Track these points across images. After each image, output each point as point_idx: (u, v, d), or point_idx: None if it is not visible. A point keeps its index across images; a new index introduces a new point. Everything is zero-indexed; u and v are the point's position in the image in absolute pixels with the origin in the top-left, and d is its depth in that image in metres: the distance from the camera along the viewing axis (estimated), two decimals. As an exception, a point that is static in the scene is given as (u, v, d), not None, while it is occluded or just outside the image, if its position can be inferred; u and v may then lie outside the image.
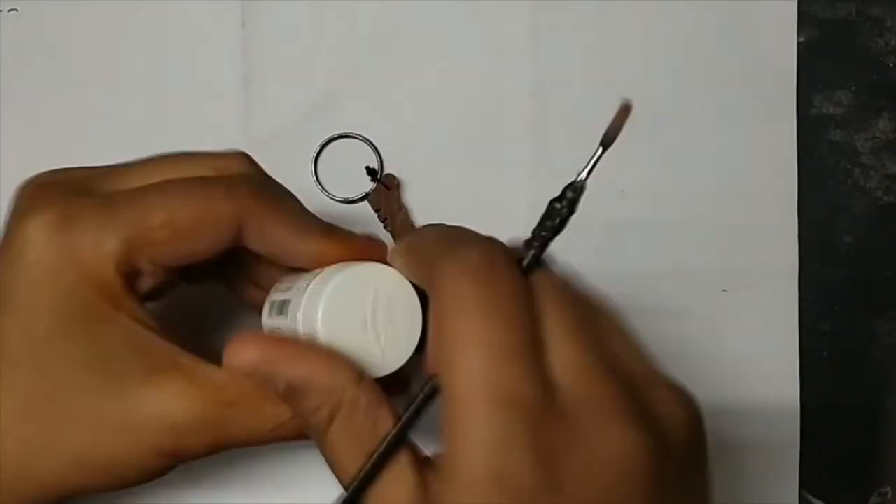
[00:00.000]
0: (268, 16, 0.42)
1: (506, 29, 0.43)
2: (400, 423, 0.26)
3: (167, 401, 0.29)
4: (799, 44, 0.43)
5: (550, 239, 0.27)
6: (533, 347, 0.24)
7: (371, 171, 0.42)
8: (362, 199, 0.42)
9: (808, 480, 0.43)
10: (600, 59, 0.43)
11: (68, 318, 0.29)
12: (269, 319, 0.31)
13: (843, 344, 0.43)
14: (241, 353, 0.28)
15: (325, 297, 0.28)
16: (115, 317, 0.30)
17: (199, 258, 0.31)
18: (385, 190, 0.42)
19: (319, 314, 0.28)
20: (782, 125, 0.43)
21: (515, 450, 0.23)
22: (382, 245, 0.33)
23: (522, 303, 0.25)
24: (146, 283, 0.31)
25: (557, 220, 0.27)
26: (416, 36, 0.42)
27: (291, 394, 0.27)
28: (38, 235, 0.29)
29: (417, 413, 0.26)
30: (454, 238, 0.27)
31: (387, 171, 0.42)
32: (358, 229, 0.42)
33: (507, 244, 0.27)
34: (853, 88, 0.44)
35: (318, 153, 0.42)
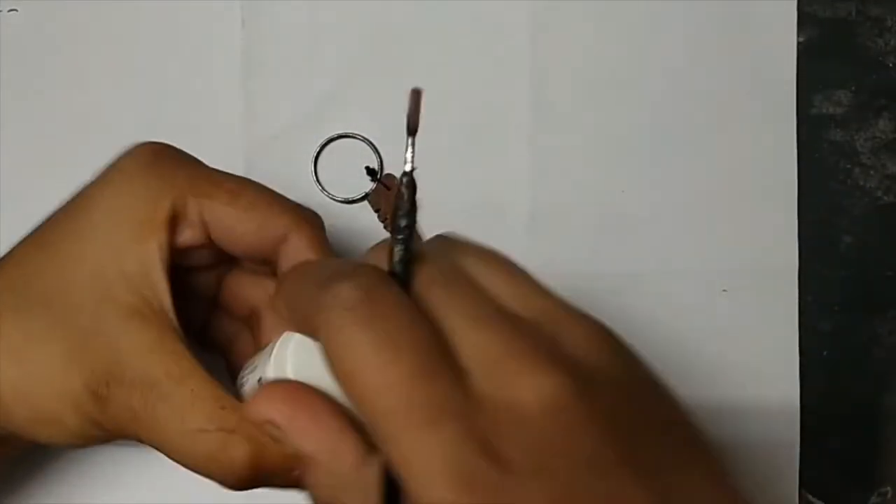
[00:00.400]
0: (268, 16, 0.42)
1: (505, 29, 0.43)
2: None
3: (128, 337, 0.30)
4: (799, 44, 0.43)
5: (407, 238, 0.27)
6: (439, 354, 0.24)
7: (371, 171, 0.42)
8: (362, 199, 0.42)
9: (808, 480, 0.43)
10: (600, 58, 0.43)
11: (114, 225, 0.31)
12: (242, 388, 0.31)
13: (843, 344, 0.43)
14: (262, 406, 0.28)
15: (292, 349, 0.28)
16: (146, 241, 0.31)
17: (237, 244, 0.32)
18: (385, 190, 0.42)
19: (288, 367, 0.28)
20: (782, 125, 0.43)
21: (464, 459, 0.23)
22: None
23: (411, 318, 0.24)
24: (184, 237, 0.32)
25: (404, 217, 0.27)
26: (416, 36, 0.42)
27: (299, 460, 0.27)
28: (140, 157, 0.32)
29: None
30: (322, 278, 0.26)
31: (387, 171, 0.42)
32: (358, 229, 0.42)
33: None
34: (853, 88, 0.44)
35: (318, 153, 0.42)
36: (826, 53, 0.44)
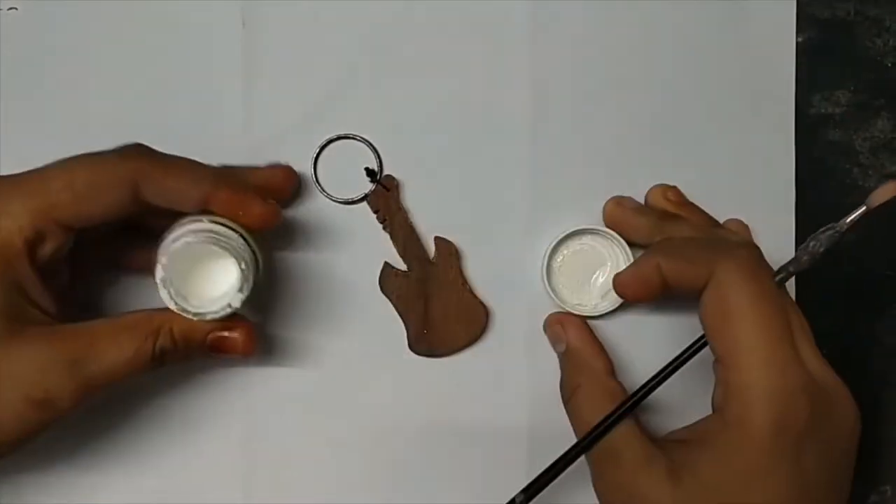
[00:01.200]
0: (268, 16, 0.42)
1: (505, 29, 0.43)
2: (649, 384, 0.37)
3: (34, 350, 0.34)
4: (798, 44, 0.43)
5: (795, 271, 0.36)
6: (791, 334, 0.34)
7: (370, 173, 0.42)
8: (361, 200, 0.42)
9: (808, 480, 0.43)
10: (599, 59, 0.43)
11: None
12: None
13: (843, 344, 0.43)
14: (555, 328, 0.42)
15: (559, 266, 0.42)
16: (2, 275, 0.34)
17: (101, 217, 0.35)
18: (384, 191, 0.42)
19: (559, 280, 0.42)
20: (782, 125, 0.43)
21: (793, 405, 0.33)
22: (283, 175, 0.40)
23: (782, 300, 0.35)
24: (49, 247, 0.35)
25: (807, 257, 0.36)
26: (416, 36, 0.42)
27: (566, 354, 0.41)
28: None
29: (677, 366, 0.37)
30: (720, 241, 0.38)
31: (386, 172, 0.42)
32: (357, 230, 0.42)
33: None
34: (852, 88, 0.44)
35: (318, 154, 0.42)
36: (825, 53, 0.44)
